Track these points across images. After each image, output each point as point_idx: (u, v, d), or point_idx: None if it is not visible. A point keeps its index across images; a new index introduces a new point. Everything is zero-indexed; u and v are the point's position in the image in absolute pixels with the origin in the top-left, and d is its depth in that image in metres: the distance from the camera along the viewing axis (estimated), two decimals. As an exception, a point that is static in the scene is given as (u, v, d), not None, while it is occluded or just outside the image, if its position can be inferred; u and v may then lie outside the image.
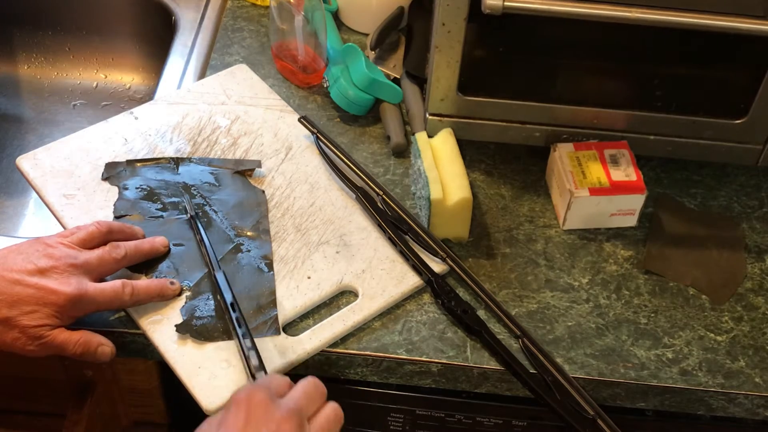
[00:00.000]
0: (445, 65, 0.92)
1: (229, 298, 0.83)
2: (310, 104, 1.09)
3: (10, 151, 1.25)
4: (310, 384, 0.71)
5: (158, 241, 0.88)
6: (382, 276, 0.89)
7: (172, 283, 0.85)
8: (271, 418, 0.66)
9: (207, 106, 1.05)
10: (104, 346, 0.83)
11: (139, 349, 0.86)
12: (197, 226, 0.90)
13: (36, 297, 0.78)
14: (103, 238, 0.85)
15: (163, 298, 0.85)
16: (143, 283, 0.84)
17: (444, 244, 0.92)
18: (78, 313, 0.81)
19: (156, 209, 0.92)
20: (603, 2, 0.84)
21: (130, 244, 0.86)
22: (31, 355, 0.80)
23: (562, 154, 0.96)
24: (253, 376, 0.76)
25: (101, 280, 0.83)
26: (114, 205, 0.93)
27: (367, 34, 1.15)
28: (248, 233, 0.91)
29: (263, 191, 0.96)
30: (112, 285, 0.82)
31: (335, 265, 0.90)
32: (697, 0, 0.83)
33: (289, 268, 0.89)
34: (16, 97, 1.31)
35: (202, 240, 0.89)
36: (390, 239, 0.92)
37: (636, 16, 0.84)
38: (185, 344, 0.83)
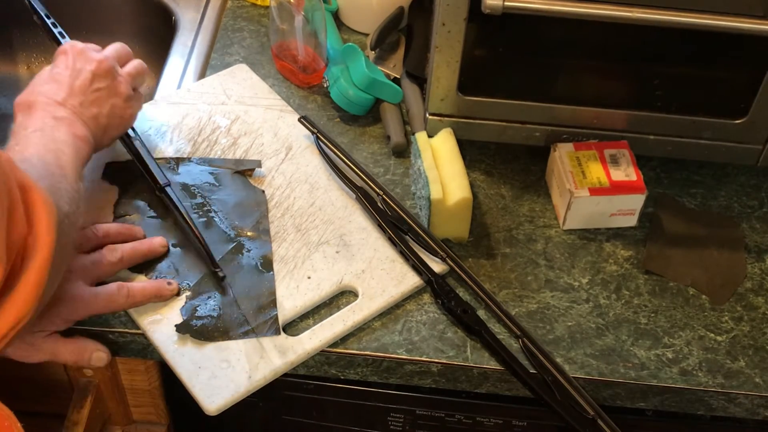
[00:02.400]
0: (445, 65, 0.92)
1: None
2: (310, 104, 1.08)
3: (10, 151, 1.25)
4: (118, 44, 0.93)
5: (156, 241, 0.88)
6: (382, 276, 0.89)
7: (169, 283, 0.85)
8: (91, 59, 0.87)
9: (207, 106, 1.05)
10: (100, 352, 0.83)
11: (139, 349, 0.86)
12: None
13: None
14: (99, 241, 0.85)
15: (160, 299, 0.85)
16: (140, 284, 0.84)
17: (444, 244, 0.92)
18: (73, 318, 0.81)
19: (156, 209, 0.93)
20: (603, 2, 0.84)
21: (127, 247, 0.86)
22: (25, 361, 0.80)
23: (562, 154, 0.96)
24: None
25: (101, 283, 0.83)
26: (114, 204, 0.93)
27: (367, 34, 1.15)
28: (248, 233, 0.91)
29: (263, 191, 0.96)
30: (107, 289, 0.82)
31: (335, 265, 0.90)
32: (697, 0, 0.83)
33: (289, 268, 0.89)
34: (16, 97, 1.31)
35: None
36: (390, 239, 0.92)
37: (636, 16, 0.84)
38: (185, 344, 0.83)
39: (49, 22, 0.99)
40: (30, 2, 1.00)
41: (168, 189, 0.91)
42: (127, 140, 0.94)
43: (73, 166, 0.78)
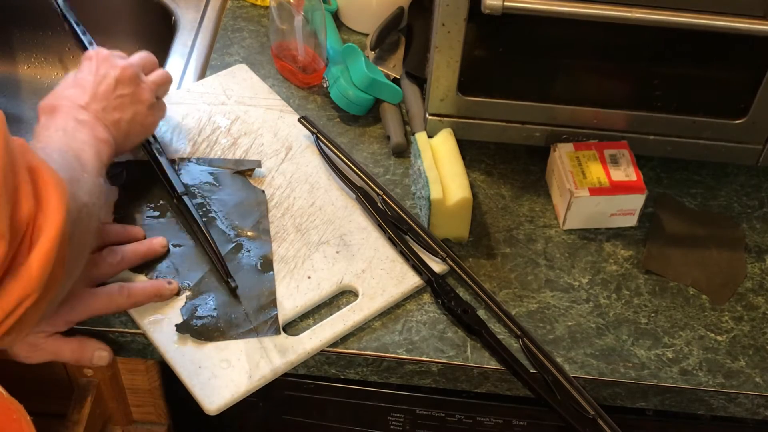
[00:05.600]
0: (445, 65, 0.92)
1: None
2: (310, 104, 1.09)
3: (9, 151, 1.25)
4: (144, 52, 0.94)
5: (156, 242, 0.88)
6: (382, 276, 0.89)
7: (169, 282, 0.85)
8: (115, 65, 0.88)
9: (207, 106, 1.05)
10: (101, 351, 0.83)
11: (139, 349, 0.86)
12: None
13: None
14: (99, 242, 0.85)
15: (161, 299, 0.85)
16: (140, 285, 0.84)
17: (444, 244, 0.92)
18: (74, 319, 0.81)
19: (156, 209, 0.93)
20: (603, 2, 0.84)
21: (127, 248, 0.86)
22: (26, 362, 0.80)
23: (562, 154, 0.96)
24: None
25: (102, 284, 0.83)
26: (114, 205, 0.93)
27: (367, 34, 1.15)
28: (248, 233, 0.91)
29: (263, 191, 0.96)
30: (108, 289, 0.82)
31: (335, 265, 0.90)
32: (697, 0, 0.83)
33: (289, 268, 0.89)
34: (16, 97, 1.31)
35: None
36: (390, 239, 0.92)
37: (636, 16, 0.84)
38: (185, 344, 0.83)
39: (78, 29, 0.99)
40: (60, 9, 1.01)
41: (185, 198, 0.91)
42: (146, 146, 0.95)
43: (93, 163, 0.79)
